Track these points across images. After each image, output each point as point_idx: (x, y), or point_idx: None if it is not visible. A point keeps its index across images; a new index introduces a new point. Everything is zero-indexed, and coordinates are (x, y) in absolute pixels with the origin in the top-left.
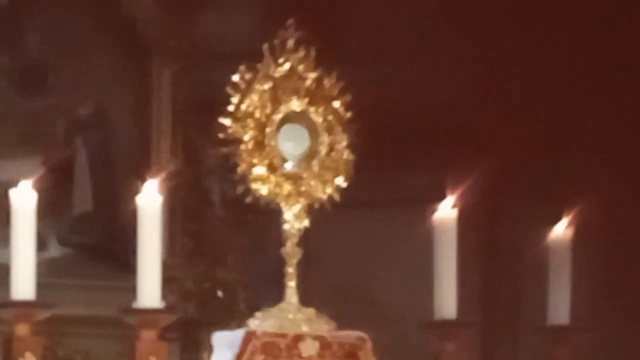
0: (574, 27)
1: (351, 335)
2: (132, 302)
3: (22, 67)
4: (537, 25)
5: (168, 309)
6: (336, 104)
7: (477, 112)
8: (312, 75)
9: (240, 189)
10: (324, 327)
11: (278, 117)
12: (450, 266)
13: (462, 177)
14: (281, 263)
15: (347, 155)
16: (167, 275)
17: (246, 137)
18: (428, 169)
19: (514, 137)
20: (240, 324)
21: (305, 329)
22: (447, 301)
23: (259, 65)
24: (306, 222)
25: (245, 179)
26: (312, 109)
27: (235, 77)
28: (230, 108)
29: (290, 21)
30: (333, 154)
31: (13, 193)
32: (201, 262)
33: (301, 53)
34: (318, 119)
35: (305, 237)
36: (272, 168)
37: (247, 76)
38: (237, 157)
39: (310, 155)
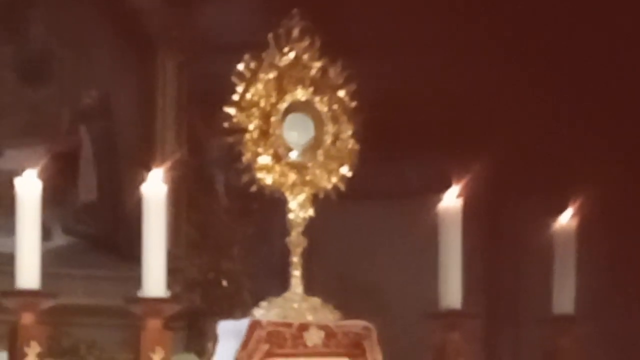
0: (580, 18)
1: (356, 324)
2: (136, 292)
3: (27, 58)
4: (543, 17)
5: (173, 299)
6: (341, 93)
7: (481, 102)
8: (317, 65)
9: (245, 179)
10: (329, 316)
11: (283, 106)
12: (455, 256)
13: (466, 167)
14: (286, 253)
15: (352, 144)
16: (172, 265)
17: (251, 127)
18: (432, 159)
19: (519, 127)
20: (245, 313)
21: (310, 318)
22: (451, 291)
23: (264, 55)
24: (311, 212)
25: (250, 168)
26: (317, 98)
27: (240, 66)
28: (235, 97)
29: (295, 11)
30: (338, 143)
31: (18, 182)
32: (206, 252)
33: (306, 42)
34: (323, 108)
35: (310, 227)
36: (277, 157)
37: (252, 65)
38: (242, 146)
39: (315, 144)
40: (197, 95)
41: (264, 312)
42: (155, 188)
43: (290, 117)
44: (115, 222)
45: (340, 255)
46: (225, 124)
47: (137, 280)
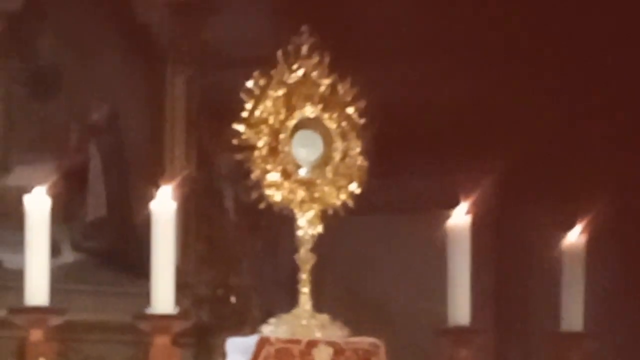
0: (587, 25)
1: (365, 341)
2: (145, 308)
3: (36, 72)
4: (551, 26)
5: (182, 315)
6: (350, 110)
7: (491, 117)
8: (326, 82)
9: (254, 195)
10: (338, 333)
11: (292, 123)
12: (463, 272)
13: (475, 183)
14: (295, 269)
15: (360, 161)
16: (181, 281)
17: (260, 143)
18: (441, 175)
19: (528, 142)
20: (253, 329)
21: (318, 335)
22: (460, 307)
23: (272, 72)
24: (320, 228)
25: (259, 185)
26: (326, 115)
27: (249, 83)
28: (244, 114)
29: (304, 27)
30: (347, 160)
31: (27, 199)
32: (215, 268)
33: (315, 59)
34: (332, 125)
35: (319, 243)
36: (286, 174)
37: (261, 82)
38: (251, 163)
39: (324, 161)
40: (207, 109)
41: (272, 328)
42: (164, 204)
43: (299, 134)
44: (124, 239)
45: (349, 272)
46: (235, 141)
47: (145, 297)
